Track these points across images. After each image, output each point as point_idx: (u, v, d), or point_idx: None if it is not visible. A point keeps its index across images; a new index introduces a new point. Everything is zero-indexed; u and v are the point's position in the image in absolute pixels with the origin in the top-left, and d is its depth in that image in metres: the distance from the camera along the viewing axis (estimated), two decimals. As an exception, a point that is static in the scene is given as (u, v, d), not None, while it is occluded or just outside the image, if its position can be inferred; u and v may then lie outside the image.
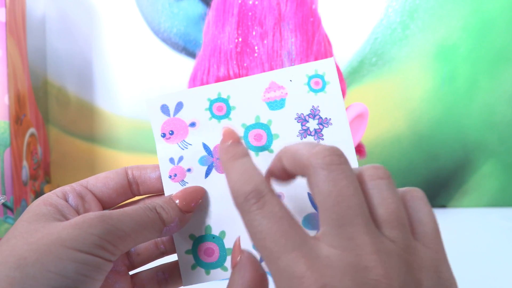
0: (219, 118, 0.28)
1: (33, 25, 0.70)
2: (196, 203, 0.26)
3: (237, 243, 0.24)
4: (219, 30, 0.48)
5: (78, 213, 0.24)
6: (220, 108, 0.28)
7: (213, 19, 0.50)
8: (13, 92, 0.59)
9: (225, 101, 0.28)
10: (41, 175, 0.71)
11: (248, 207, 0.19)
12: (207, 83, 0.48)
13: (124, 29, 0.76)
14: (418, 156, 0.78)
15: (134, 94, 0.77)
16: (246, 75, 0.46)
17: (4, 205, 0.58)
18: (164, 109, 0.28)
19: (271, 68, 0.46)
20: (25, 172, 0.63)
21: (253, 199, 0.19)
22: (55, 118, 0.77)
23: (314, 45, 0.47)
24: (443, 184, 0.78)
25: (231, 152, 0.22)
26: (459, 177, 0.79)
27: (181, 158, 0.27)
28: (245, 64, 0.46)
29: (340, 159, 0.19)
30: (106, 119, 0.77)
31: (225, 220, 0.27)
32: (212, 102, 0.28)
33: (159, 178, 0.27)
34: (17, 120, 0.60)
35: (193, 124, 0.28)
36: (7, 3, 0.57)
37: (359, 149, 0.56)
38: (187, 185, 0.27)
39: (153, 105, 0.28)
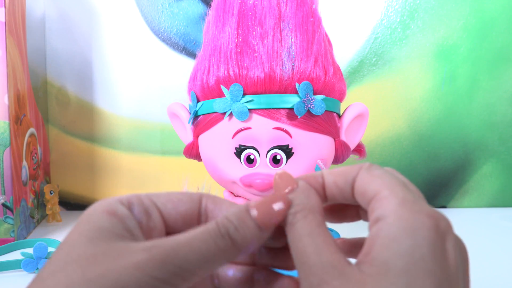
0: None
1: (33, 25, 0.70)
2: (277, 221, 0.21)
3: (287, 175, 0.21)
4: (219, 30, 0.48)
5: (142, 229, 0.22)
6: None
7: (213, 19, 0.50)
8: (13, 92, 0.59)
9: None
10: (40, 175, 0.71)
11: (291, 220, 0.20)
12: (207, 83, 0.48)
13: (124, 29, 0.76)
14: (418, 156, 0.78)
15: (134, 94, 0.77)
16: (246, 75, 0.46)
17: (4, 205, 0.58)
18: None
19: (271, 68, 0.45)
20: (24, 172, 0.63)
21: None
22: (55, 118, 0.77)
23: (314, 45, 0.47)
24: (443, 184, 0.78)
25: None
26: (460, 177, 0.78)
27: None
28: (245, 64, 0.46)
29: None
30: (106, 119, 0.77)
31: None
32: None
33: None
34: (17, 120, 0.60)
35: None
36: (7, 3, 0.57)
37: (359, 149, 0.56)
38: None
39: None
